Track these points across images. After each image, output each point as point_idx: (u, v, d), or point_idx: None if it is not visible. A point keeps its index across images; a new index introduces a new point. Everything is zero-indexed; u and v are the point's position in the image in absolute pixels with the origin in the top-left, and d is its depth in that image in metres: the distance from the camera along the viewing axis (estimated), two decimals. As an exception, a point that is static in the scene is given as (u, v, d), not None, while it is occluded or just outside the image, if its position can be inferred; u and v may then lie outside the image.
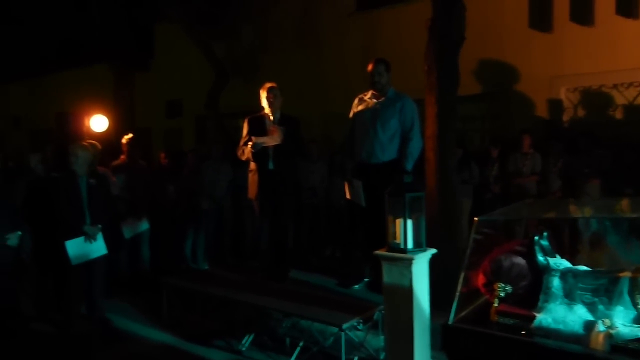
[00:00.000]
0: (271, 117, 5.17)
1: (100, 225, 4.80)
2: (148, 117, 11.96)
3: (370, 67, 5.10)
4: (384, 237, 3.11)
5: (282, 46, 9.80)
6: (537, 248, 2.72)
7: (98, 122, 7.18)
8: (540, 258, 2.69)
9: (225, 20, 9.89)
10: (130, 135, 6.22)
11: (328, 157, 7.32)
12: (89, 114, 7.18)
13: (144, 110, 12.02)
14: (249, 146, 5.06)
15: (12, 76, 15.69)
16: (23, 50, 14.94)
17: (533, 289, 2.60)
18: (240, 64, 10.10)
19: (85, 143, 5.03)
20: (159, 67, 11.94)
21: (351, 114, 5.35)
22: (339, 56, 9.14)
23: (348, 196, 5.29)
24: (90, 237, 4.71)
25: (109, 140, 6.82)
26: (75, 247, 4.65)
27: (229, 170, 6.99)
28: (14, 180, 5.41)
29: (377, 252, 3.10)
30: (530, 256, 2.70)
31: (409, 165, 4.92)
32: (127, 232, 5.78)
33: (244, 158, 5.29)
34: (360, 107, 5.24)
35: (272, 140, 5.10)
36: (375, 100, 5.13)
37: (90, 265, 4.81)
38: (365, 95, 5.26)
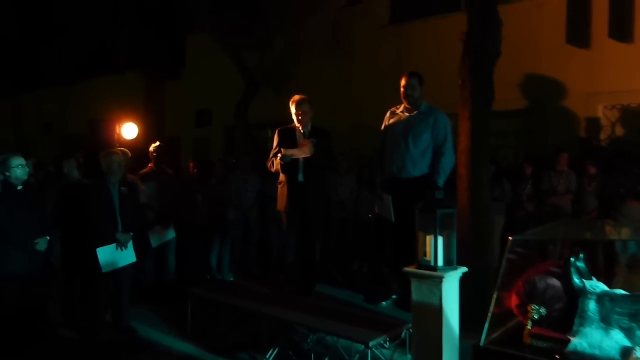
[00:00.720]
0: (301, 130, 5.16)
1: (131, 233, 4.82)
2: (178, 125, 11.96)
3: (403, 80, 5.09)
4: (413, 253, 3.07)
5: (314, 57, 9.72)
6: (572, 270, 2.66)
7: (128, 130, 7.19)
8: (576, 280, 2.64)
9: (258, 31, 9.85)
10: (158, 143, 6.19)
11: (357, 170, 7.27)
12: (120, 121, 7.21)
13: (174, 118, 12.03)
14: (279, 158, 5.04)
15: (46, 82, 15.93)
16: (57, 56, 15.18)
17: (568, 312, 2.56)
18: (270, 74, 10.05)
19: (116, 150, 5.06)
20: (189, 76, 11.92)
21: (382, 127, 5.33)
22: (371, 68, 9.07)
23: (377, 210, 5.25)
24: (121, 245, 4.72)
25: (139, 147, 6.84)
26: (106, 255, 4.66)
27: (257, 181, 6.93)
28: (47, 186, 5.47)
29: (406, 269, 3.07)
30: (565, 278, 2.65)
31: (441, 181, 4.88)
32: (154, 241, 5.77)
33: (273, 170, 5.27)
34: (392, 120, 5.22)
35: (302, 152, 5.06)
36: (407, 114, 5.11)
37: (118, 273, 4.82)
38: (397, 108, 5.24)
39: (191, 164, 6.94)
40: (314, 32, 9.80)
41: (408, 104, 5.10)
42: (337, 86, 9.35)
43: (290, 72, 9.85)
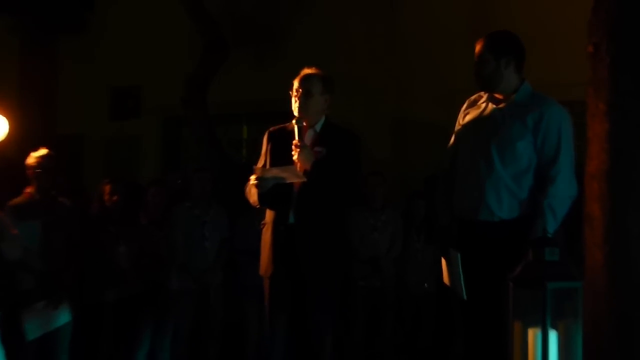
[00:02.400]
0: (300, 125, 4.14)
1: None
2: (79, 116, 9.43)
3: (477, 47, 4.10)
4: (503, 356, 2.79)
5: (329, 2, 7.82)
6: None
7: None
8: None
9: None
10: (44, 151, 5.11)
11: (403, 205, 6.26)
12: None
13: (73, 104, 9.46)
14: (253, 180, 4.03)
15: None
16: None
17: None
18: (251, 27, 8.16)
19: None
20: (101, 31, 9.37)
21: (456, 126, 4.33)
22: (427, 18, 7.26)
23: (445, 279, 4.29)
24: None
25: (9, 158, 5.72)
26: None
27: (223, 221, 5.86)
28: None
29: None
30: None
31: (551, 228, 3.79)
32: (32, 330, 4.69)
33: (251, 201, 4.25)
34: (468, 118, 4.19)
35: (291, 174, 3.99)
36: (493, 105, 4.07)
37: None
38: (481, 96, 4.23)
39: (106, 189, 5.61)
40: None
41: (484, 90, 4.14)
42: (368, 50, 7.51)
43: (288, 25, 8.02)
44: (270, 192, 4.00)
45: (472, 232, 3.89)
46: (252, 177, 3.99)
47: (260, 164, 4.24)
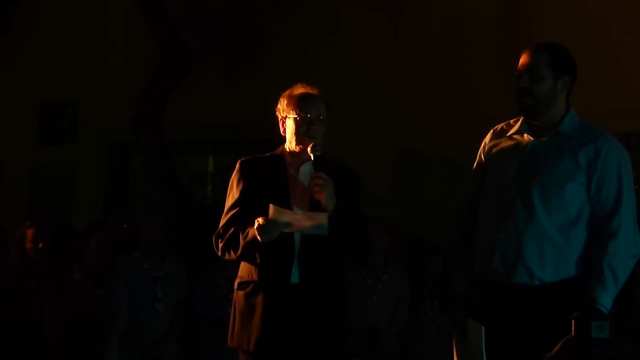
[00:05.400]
0: (311, 158, 3.63)
1: None
2: None
3: (523, 58, 3.53)
4: None
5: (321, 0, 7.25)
6: None
7: None
8: None
9: None
10: None
11: (413, 262, 5.77)
12: None
13: None
14: (255, 227, 3.48)
15: None
16: None
17: None
18: (221, 32, 7.46)
19: None
20: (28, 30, 8.75)
21: (476, 164, 3.83)
22: (445, 30, 6.57)
23: (457, 356, 3.78)
24: None
25: None
26: None
27: (180, 276, 5.29)
28: None
29: None
30: None
31: (606, 299, 3.23)
32: None
33: (232, 256, 3.69)
34: (496, 150, 3.75)
35: (311, 222, 3.57)
36: (530, 138, 3.63)
37: None
38: (510, 126, 3.71)
39: (29, 233, 5.10)
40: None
41: (531, 116, 3.64)
42: (373, 67, 6.82)
43: (269, 31, 7.30)
44: (266, 247, 3.49)
45: (502, 299, 3.43)
46: (260, 220, 3.51)
47: (228, 203, 3.67)
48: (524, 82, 3.41)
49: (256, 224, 3.42)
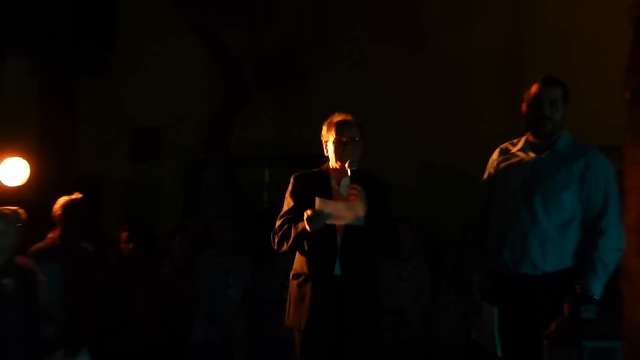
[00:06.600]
0: (347, 170, 4.03)
1: None
2: (99, 158, 9.53)
3: (534, 88, 3.90)
4: None
5: (352, 40, 7.60)
6: None
7: (12, 170, 5.53)
8: None
9: None
10: (78, 195, 5.10)
11: (432, 254, 6.07)
12: None
13: (93, 145, 9.58)
14: (305, 220, 3.85)
15: None
16: None
17: None
18: (273, 69, 8.07)
19: (5, 210, 4.23)
20: (122, 72, 9.45)
21: (486, 175, 4.18)
22: (458, 62, 6.96)
23: (473, 334, 4.15)
24: None
25: (28, 200, 5.31)
26: None
27: (246, 268, 5.72)
28: None
29: None
30: None
31: (598, 286, 3.70)
32: None
33: (286, 247, 4.04)
34: (504, 165, 4.05)
35: (349, 212, 3.87)
36: (533, 154, 3.95)
37: None
38: (514, 144, 4.10)
39: (123, 236, 5.56)
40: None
41: (537, 136, 3.96)
42: (396, 94, 7.29)
43: (310, 67, 7.85)
44: (313, 239, 3.93)
45: (512, 286, 3.76)
46: (308, 211, 3.91)
47: (283, 210, 4.16)
48: (546, 111, 3.86)
49: (305, 216, 3.80)
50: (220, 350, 5.65)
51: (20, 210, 4.29)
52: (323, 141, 4.16)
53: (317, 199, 3.87)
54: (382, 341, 5.46)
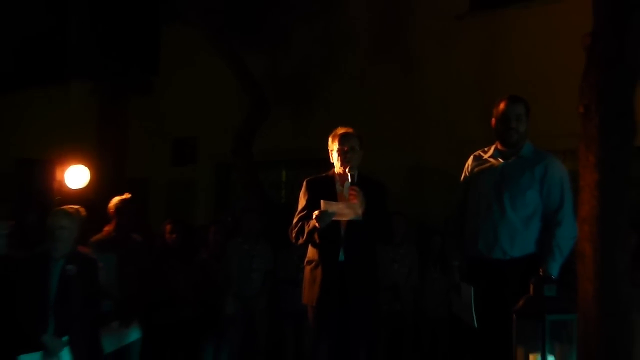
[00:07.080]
0: (348, 175, 4.36)
1: (65, 337, 4.28)
2: (145, 162, 10.23)
3: (502, 106, 4.23)
4: None
5: (353, 63, 8.13)
6: None
7: (76, 175, 6.03)
8: None
9: (269, 22, 8.42)
10: (128, 195, 5.46)
11: (420, 241, 6.42)
12: (63, 161, 6.14)
13: (140, 152, 10.27)
14: (314, 217, 4.21)
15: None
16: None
17: None
18: (288, 88, 8.54)
19: (66, 208, 4.44)
20: (164, 91, 10.07)
21: (463, 177, 4.52)
22: (441, 80, 7.38)
23: (453, 309, 4.51)
24: (50, 354, 4.23)
25: (88, 199, 5.82)
26: None
27: (267, 254, 6.10)
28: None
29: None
30: None
31: (555, 267, 4.03)
32: (109, 344, 5.01)
33: (301, 241, 4.42)
34: (477, 169, 4.39)
35: (350, 210, 4.18)
36: (501, 160, 4.26)
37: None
38: (485, 152, 4.42)
39: (167, 228, 5.96)
40: (355, 24, 8.12)
41: (505, 145, 4.24)
42: (388, 105, 7.80)
43: (319, 85, 8.33)
44: (322, 232, 4.25)
45: (485, 268, 4.18)
46: (316, 213, 4.22)
47: (298, 209, 4.52)
48: (513, 124, 4.14)
49: (314, 215, 4.17)
50: (245, 322, 6.09)
51: (81, 209, 4.57)
52: (329, 150, 4.46)
53: (322, 202, 4.26)
54: (380, 313, 5.95)
